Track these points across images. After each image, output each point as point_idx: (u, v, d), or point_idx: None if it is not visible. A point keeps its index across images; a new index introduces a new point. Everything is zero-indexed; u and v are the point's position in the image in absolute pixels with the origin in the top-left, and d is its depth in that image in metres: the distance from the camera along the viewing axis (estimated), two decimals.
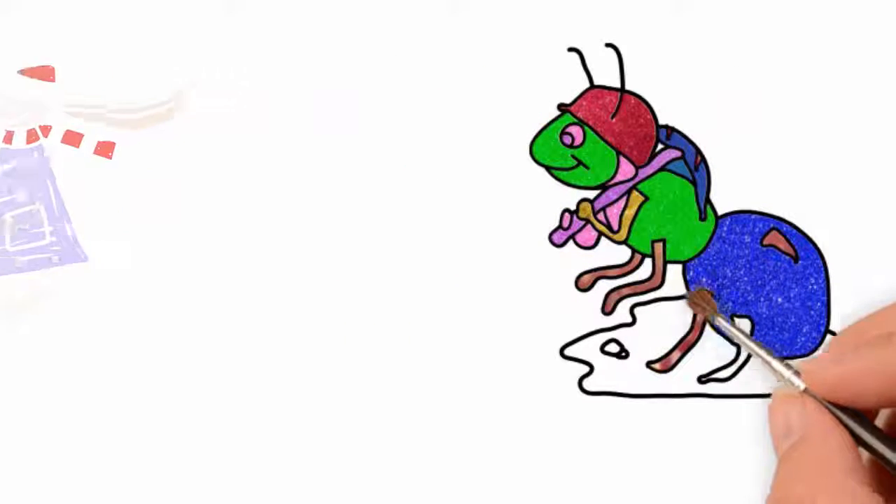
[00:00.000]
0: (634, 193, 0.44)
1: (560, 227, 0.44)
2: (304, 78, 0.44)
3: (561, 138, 0.44)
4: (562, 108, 0.44)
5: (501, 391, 0.43)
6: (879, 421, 0.37)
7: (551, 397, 0.43)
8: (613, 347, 0.43)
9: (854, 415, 0.35)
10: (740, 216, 0.43)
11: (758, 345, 0.39)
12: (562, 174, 0.44)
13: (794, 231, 0.43)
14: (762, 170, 0.43)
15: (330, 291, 0.43)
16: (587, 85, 0.44)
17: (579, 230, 0.44)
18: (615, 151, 0.44)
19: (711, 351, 0.43)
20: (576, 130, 0.44)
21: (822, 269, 0.43)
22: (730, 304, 0.43)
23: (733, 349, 0.43)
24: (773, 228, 0.43)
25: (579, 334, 0.43)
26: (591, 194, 0.44)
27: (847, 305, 0.43)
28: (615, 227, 0.43)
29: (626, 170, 0.44)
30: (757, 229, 0.43)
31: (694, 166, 0.43)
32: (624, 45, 0.44)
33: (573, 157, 0.44)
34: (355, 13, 0.45)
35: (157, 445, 0.43)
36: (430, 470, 0.43)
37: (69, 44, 0.44)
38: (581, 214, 0.44)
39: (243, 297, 0.44)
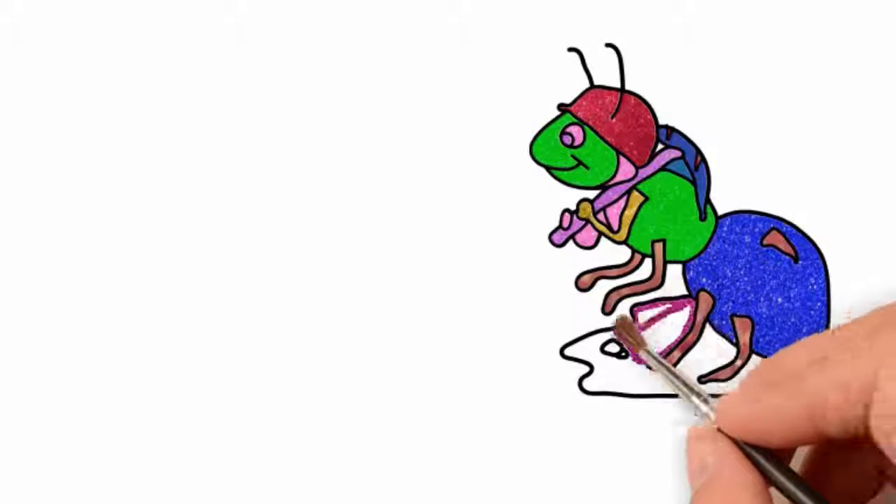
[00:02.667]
0: (634, 193, 0.44)
1: (560, 227, 0.44)
2: (304, 78, 0.44)
3: (561, 138, 0.44)
4: (562, 108, 0.44)
5: (502, 391, 0.43)
6: (797, 458, 0.37)
7: (551, 397, 0.43)
8: (613, 347, 0.43)
9: (767, 454, 0.35)
10: (740, 216, 0.43)
11: (679, 379, 0.39)
12: (562, 174, 0.44)
13: (794, 231, 0.43)
14: (762, 170, 0.43)
15: (330, 291, 0.43)
16: (587, 85, 0.44)
17: (579, 230, 0.44)
18: (615, 151, 0.44)
19: (711, 351, 0.43)
20: (576, 130, 0.44)
21: (822, 269, 0.43)
22: (730, 303, 0.43)
23: (733, 349, 0.43)
24: (773, 228, 0.43)
25: (579, 334, 0.43)
26: (591, 194, 0.44)
27: (847, 305, 0.43)
28: (615, 227, 0.43)
29: (626, 170, 0.44)
30: (757, 229, 0.43)
31: (694, 166, 0.43)
32: (624, 45, 0.44)
33: (573, 157, 0.44)
34: (355, 13, 0.45)
35: (157, 446, 0.43)
36: (431, 470, 0.43)
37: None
38: (581, 214, 0.44)
39: (245, 298, 0.44)
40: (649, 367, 0.42)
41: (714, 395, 0.40)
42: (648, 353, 0.41)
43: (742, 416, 0.34)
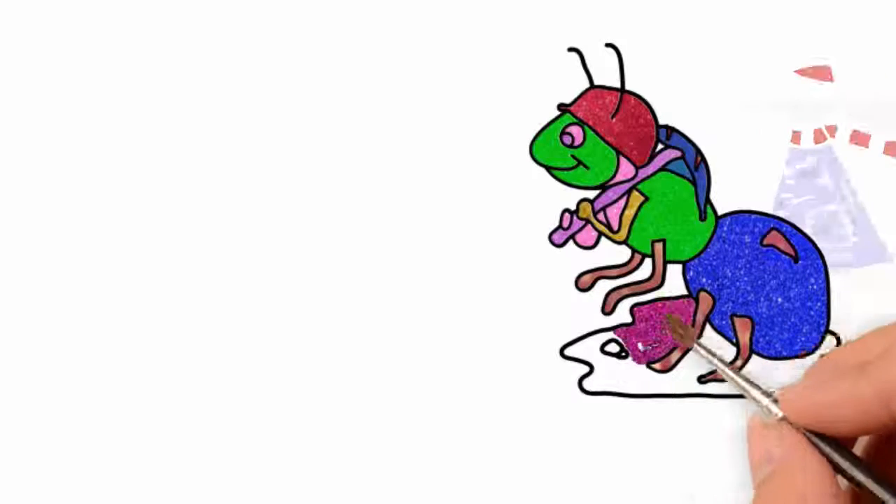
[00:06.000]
0: (634, 193, 0.44)
1: (560, 227, 0.44)
2: (304, 78, 0.44)
3: (561, 138, 0.44)
4: (562, 108, 0.44)
5: (501, 391, 0.43)
6: (858, 448, 0.37)
7: (551, 397, 0.43)
8: (613, 347, 0.43)
9: (832, 442, 0.35)
10: (740, 216, 0.43)
11: (736, 372, 0.39)
12: (562, 174, 0.44)
13: (794, 231, 0.43)
14: (762, 170, 0.43)
15: (329, 291, 0.43)
16: (587, 85, 0.44)
17: (579, 230, 0.44)
18: (615, 151, 0.44)
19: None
20: (576, 130, 0.44)
21: (822, 269, 0.43)
22: (730, 304, 0.43)
23: (733, 349, 0.43)
24: (773, 228, 0.43)
25: (579, 334, 0.43)
26: (591, 194, 0.44)
27: (847, 305, 0.43)
28: (615, 227, 0.43)
29: (626, 170, 0.44)
30: (757, 229, 0.43)
31: (694, 166, 0.43)
32: (624, 45, 0.44)
33: (573, 157, 0.44)
34: (355, 13, 0.45)
35: (158, 447, 0.43)
36: (430, 470, 0.43)
37: (846, 42, 0.44)
38: (581, 214, 0.44)
39: (247, 298, 0.44)
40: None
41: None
42: (701, 346, 0.41)
43: (811, 404, 0.35)
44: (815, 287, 0.43)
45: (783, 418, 0.36)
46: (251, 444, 0.43)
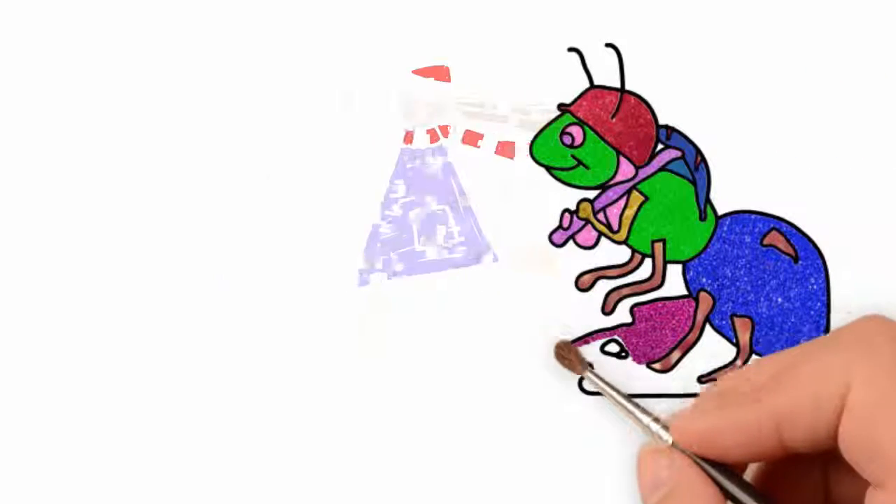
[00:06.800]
0: (634, 193, 0.44)
1: (560, 227, 0.44)
2: (302, 78, 0.44)
3: (561, 138, 0.44)
4: (562, 108, 0.44)
5: (501, 391, 0.43)
6: (749, 472, 0.37)
7: (551, 397, 0.43)
8: (613, 347, 0.43)
9: (722, 468, 0.35)
10: (740, 216, 0.43)
11: (627, 399, 0.39)
12: (562, 174, 0.44)
13: (794, 231, 0.43)
14: (762, 170, 0.43)
15: (329, 291, 0.43)
16: (587, 85, 0.44)
17: (579, 230, 0.44)
18: (615, 151, 0.44)
19: (711, 351, 0.43)
20: (576, 130, 0.44)
21: (822, 269, 0.43)
22: (730, 304, 0.43)
23: (733, 349, 0.43)
24: (773, 228, 0.43)
25: (579, 334, 0.43)
26: (591, 194, 0.44)
27: (847, 305, 0.43)
28: (615, 227, 0.43)
29: (626, 170, 0.44)
30: (757, 229, 0.43)
31: (694, 166, 0.44)
32: (624, 45, 0.44)
33: (573, 157, 0.44)
34: (354, 12, 0.45)
35: (151, 448, 0.43)
36: (430, 470, 0.43)
37: (462, 43, 0.44)
38: (581, 214, 0.44)
39: (248, 298, 0.44)
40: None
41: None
42: (593, 374, 0.41)
43: (700, 431, 0.34)
44: (815, 287, 0.43)
45: (673, 444, 0.36)
46: (249, 444, 0.43)
